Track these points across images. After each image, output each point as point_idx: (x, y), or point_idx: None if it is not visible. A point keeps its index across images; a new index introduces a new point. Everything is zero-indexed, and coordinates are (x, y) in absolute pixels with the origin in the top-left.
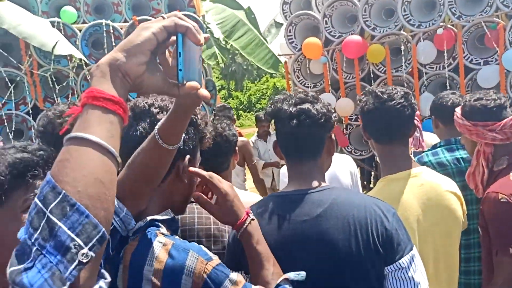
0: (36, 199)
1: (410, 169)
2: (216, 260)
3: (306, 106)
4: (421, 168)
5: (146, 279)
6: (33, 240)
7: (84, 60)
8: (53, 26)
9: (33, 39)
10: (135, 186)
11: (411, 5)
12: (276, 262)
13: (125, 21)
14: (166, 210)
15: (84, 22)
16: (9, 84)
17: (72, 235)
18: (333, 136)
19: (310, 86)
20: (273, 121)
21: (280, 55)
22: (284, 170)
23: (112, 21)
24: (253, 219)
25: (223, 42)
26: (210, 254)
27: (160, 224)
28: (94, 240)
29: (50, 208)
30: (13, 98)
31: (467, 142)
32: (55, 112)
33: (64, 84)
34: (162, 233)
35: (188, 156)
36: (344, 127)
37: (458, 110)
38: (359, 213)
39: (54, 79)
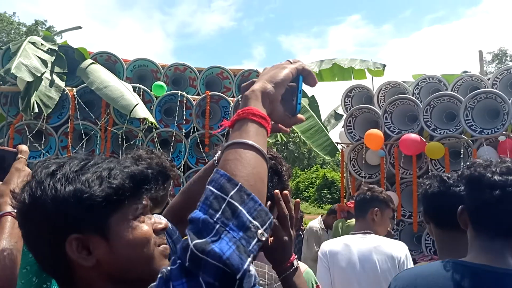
0: (210, 187)
1: None
2: None
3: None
4: None
5: None
6: (215, 219)
7: (155, 124)
8: (134, 90)
9: (115, 102)
10: (187, 214)
11: (473, 111)
12: None
13: (198, 94)
14: None
15: None
16: (83, 136)
17: (250, 218)
18: None
19: (365, 177)
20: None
21: (338, 143)
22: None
23: (186, 93)
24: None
25: None
26: None
27: None
28: (267, 224)
29: (230, 195)
30: (83, 149)
31: None
32: (133, 155)
33: (131, 142)
34: None
35: (269, 202)
36: (395, 223)
37: None
38: None
39: (124, 137)
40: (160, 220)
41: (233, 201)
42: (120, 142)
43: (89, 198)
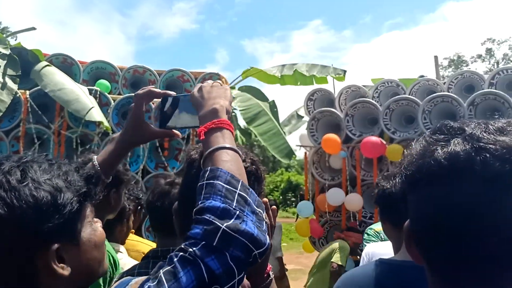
0: (220, 182)
1: None
2: None
3: None
4: None
5: None
6: (233, 207)
7: (108, 128)
8: (91, 93)
9: (70, 105)
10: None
11: (431, 114)
12: None
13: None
14: None
15: (119, 94)
16: (36, 141)
17: (254, 206)
18: None
19: (328, 179)
20: None
21: (300, 146)
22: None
23: None
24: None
25: (244, 128)
26: None
27: None
28: (264, 212)
29: (238, 188)
30: (36, 154)
31: None
32: (84, 159)
33: (87, 147)
34: None
35: None
36: (357, 224)
37: None
38: None
39: (79, 142)
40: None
41: (242, 193)
42: (75, 147)
43: (65, 205)
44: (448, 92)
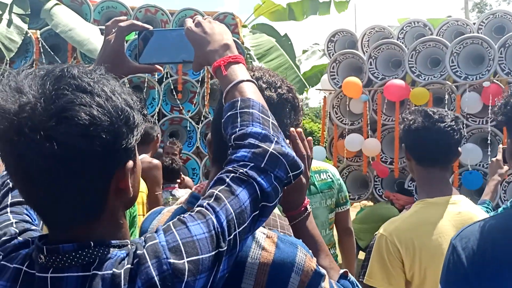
0: (256, 111)
1: (450, 196)
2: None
3: None
4: (460, 196)
5: (250, 273)
6: (272, 133)
7: None
8: (102, 33)
9: (82, 46)
10: None
11: (459, 56)
12: (329, 253)
13: None
14: None
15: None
16: None
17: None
18: None
19: (348, 124)
20: None
21: (320, 90)
22: None
23: None
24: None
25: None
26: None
27: None
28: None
29: (270, 116)
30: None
31: None
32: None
33: None
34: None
35: (287, 141)
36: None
37: None
38: None
39: None
40: None
41: (274, 122)
42: None
43: (139, 122)
44: (478, 33)
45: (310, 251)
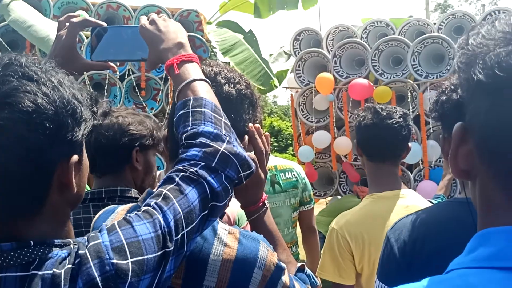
0: (208, 110)
1: (399, 190)
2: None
3: None
4: (408, 190)
5: (212, 270)
6: (224, 133)
7: None
8: None
9: (41, 44)
10: None
11: (420, 55)
12: (287, 248)
13: None
14: None
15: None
16: None
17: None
18: None
19: (314, 121)
20: None
21: (286, 88)
22: None
23: None
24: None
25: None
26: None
27: None
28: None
29: (223, 117)
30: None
31: None
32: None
33: None
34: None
35: (246, 137)
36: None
37: None
38: None
39: None
40: None
41: (226, 122)
42: None
43: (87, 117)
44: (438, 33)
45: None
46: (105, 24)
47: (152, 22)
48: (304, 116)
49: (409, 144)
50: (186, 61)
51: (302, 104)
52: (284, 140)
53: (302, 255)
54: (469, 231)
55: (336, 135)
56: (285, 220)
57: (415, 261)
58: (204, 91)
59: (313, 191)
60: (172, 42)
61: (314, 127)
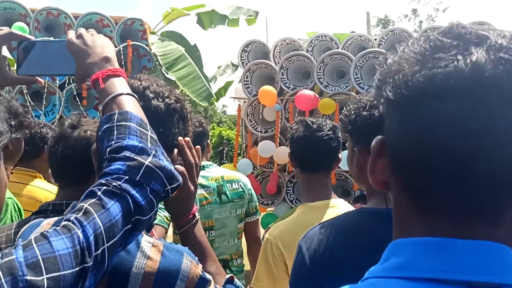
0: (134, 124)
1: (329, 200)
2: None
3: None
4: (339, 200)
5: (134, 283)
6: (149, 147)
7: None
8: None
9: None
10: None
11: (362, 69)
12: (216, 259)
13: None
14: None
15: None
16: None
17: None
18: None
19: (261, 131)
20: None
21: (235, 98)
22: None
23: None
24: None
25: (167, 77)
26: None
27: None
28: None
29: (149, 130)
30: None
31: None
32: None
33: None
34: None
35: (175, 150)
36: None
37: None
38: None
39: None
40: None
41: (152, 135)
42: None
43: None
44: (379, 48)
45: (196, 257)
46: (32, 38)
47: (79, 36)
48: (252, 126)
49: (339, 155)
50: (112, 75)
51: (250, 114)
52: (233, 150)
53: (248, 266)
54: (376, 241)
55: (280, 145)
56: (231, 230)
57: (326, 269)
58: (130, 105)
59: (260, 200)
60: (99, 56)
61: (259, 137)
